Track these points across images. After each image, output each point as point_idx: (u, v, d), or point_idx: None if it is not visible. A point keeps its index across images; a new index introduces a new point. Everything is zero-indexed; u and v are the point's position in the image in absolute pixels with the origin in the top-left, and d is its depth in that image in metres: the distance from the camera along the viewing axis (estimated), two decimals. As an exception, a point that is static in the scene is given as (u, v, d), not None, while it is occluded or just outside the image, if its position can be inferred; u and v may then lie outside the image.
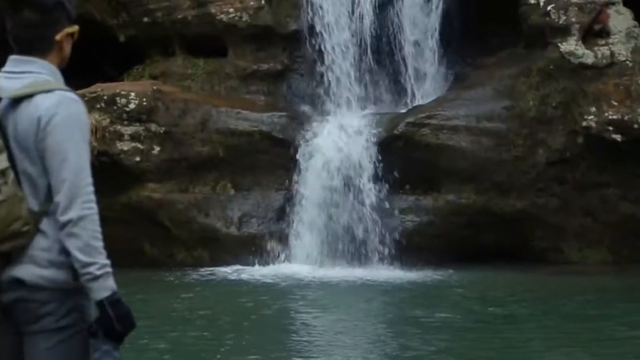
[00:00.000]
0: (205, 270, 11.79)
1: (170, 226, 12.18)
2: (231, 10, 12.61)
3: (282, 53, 12.93)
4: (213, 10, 12.64)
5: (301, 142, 12.21)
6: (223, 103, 12.54)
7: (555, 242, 12.19)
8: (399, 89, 13.09)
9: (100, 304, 3.10)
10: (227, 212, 12.17)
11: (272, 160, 12.31)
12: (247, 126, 12.31)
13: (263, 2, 12.65)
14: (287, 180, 12.21)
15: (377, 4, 12.82)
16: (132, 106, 12.06)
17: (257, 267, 11.79)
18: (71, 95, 3.17)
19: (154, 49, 13.15)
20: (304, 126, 12.35)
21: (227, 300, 9.89)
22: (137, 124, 12.07)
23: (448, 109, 12.15)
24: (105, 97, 12.05)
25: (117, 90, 12.18)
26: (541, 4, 12.06)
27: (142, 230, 12.10)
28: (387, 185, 11.99)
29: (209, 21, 12.69)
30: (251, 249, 11.93)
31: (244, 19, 12.65)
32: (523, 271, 11.33)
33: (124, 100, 12.06)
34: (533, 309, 9.05)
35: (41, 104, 3.10)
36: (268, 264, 11.85)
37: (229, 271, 11.68)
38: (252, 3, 12.61)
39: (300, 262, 11.85)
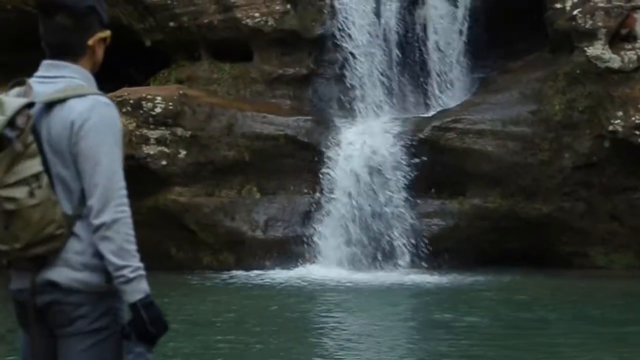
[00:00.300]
0: (230, 274, 11.82)
1: (196, 230, 12.23)
2: (257, 14, 12.65)
3: (308, 57, 12.95)
4: (239, 15, 12.68)
5: (326, 146, 12.23)
6: (249, 107, 12.57)
7: (582, 246, 12.14)
8: (424, 93, 13.08)
9: (133, 306, 3.11)
10: (252, 215, 12.20)
11: (297, 164, 12.33)
12: (273, 130, 12.34)
13: (289, 6, 12.68)
14: (312, 184, 12.21)
15: (402, 8, 12.81)
16: (158, 110, 12.12)
17: (282, 270, 11.80)
18: (104, 99, 3.18)
19: (180, 53, 13.20)
20: (330, 130, 12.37)
21: (252, 304, 9.88)
22: (164, 128, 12.13)
23: (474, 113, 12.13)
24: (131, 101, 12.12)
25: (144, 95, 12.24)
26: (567, 8, 12.03)
27: (168, 234, 12.15)
28: (412, 189, 11.98)
29: (235, 26, 12.73)
30: (277, 252, 11.95)
31: (269, 23, 12.68)
32: (549, 275, 11.28)
33: (150, 105, 12.12)
34: (561, 314, 9.00)
35: (74, 108, 3.11)
36: (294, 268, 11.87)
37: (255, 275, 11.70)
38: (277, 8, 12.63)
39: (326, 266, 11.85)
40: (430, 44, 12.93)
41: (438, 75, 13.01)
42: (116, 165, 3.15)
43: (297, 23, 12.76)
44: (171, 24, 12.96)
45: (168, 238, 12.19)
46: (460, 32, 13.04)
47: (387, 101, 12.91)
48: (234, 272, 11.88)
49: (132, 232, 3.17)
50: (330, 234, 12.00)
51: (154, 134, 12.09)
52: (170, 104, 12.19)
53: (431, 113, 12.71)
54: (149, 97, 12.18)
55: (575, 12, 11.97)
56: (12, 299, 3.23)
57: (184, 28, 12.92)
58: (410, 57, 13.00)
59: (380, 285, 10.94)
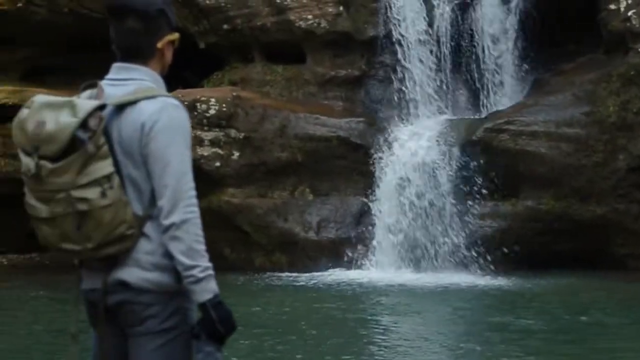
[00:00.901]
0: (283, 275, 11.85)
1: (249, 231, 12.29)
2: (310, 17, 12.69)
3: (360, 59, 12.96)
4: (292, 17, 12.73)
5: (379, 147, 12.23)
6: (301, 109, 12.62)
7: (636, 248, 12.01)
8: (476, 95, 13.04)
9: (202, 306, 3.14)
10: (305, 217, 12.24)
11: (350, 165, 12.35)
12: (325, 132, 12.37)
13: (341, 8, 12.70)
14: (364, 185, 12.22)
15: (455, 10, 12.78)
16: (212, 112, 12.20)
17: (335, 271, 11.82)
18: (174, 101, 3.22)
19: (233, 55, 13.29)
20: (382, 132, 12.38)
21: (305, 305, 9.88)
22: (217, 129, 12.22)
23: (527, 115, 12.06)
24: (185, 103, 12.16)
25: (198, 96, 12.33)
26: (622, 9, 11.92)
27: (221, 235, 12.22)
28: (465, 191, 11.94)
29: (288, 28, 12.78)
30: (329, 253, 11.97)
31: (322, 25, 12.72)
32: (603, 278, 11.17)
33: (204, 106, 12.21)
34: (620, 317, 8.88)
35: (145, 110, 3.15)
36: (346, 269, 11.88)
37: (307, 276, 11.71)
38: (330, 10, 12.67)
39: (379, 267, 11.85)
40: (482, 46, 12.88)
41: (490, 77, 12.95)
42: (185, 166, 3.19)
43: (349, 25, 12.78)
44: (225, 26, 13.05)
45: (221, 239, 12.26)
46: (512, 33, 12.98)
47: (439, 103, 12.89)
48: (287, 273, 11.92)
49: (201, 232, 3.20)
50: (382, 236, 12.00)
51: (207, 135, 12.19)
52: (224, 105, 12.27)
53: (483, 115, 12.66)
54: (203, 99, 12.27)
55: (629, 13, 11.85)
56: (83, 299, 3.28)
57: (237, 30, 13.00)
58: (462, 58, 12.96)
59: (432, 287, 10.89)
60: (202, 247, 3.18)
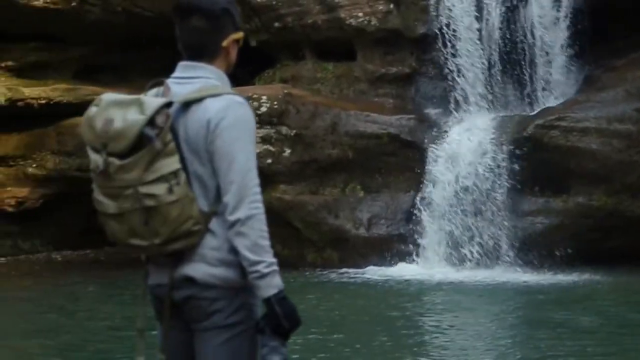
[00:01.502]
0: (334, 271, 11.88)
1: (300, 227, 12.34)
2: (360, 14, 12.69)
3: (411, 56, 12.94)
4: (342, 15, 12.74)
5: (429, 144, 12.21)
6: (352, 106, 12.63)
7: (688, 244, 11.87)
8: (527, 91, 12.95)
9: (267, 301, 3.16)
10: (356, 213, 12.26)
11: (400, 162, 12.35)
12: (376, 129, 12.38)
13: (392, 6, 12.69)
14: (415, 182, 12.21)
15: (505, 6, 12.71)
16: (263, 109, 12.26)
17: (386, 268, 11.82)
18: (239, 99, 3.26)
19: (284, 53, 13.34)
20: (432, 129, 12.36)
21: (355, 302, 9.89)
22: (269, 126, 12.27)
23: (578, 111, 11.98)
24: (238, 101, 12.25)
25: (249, 94, 12.37)
26: (674, 4, 11.79)
27: (274, 231, 12.05)
28: (516, 187, 11.89)
29: (339, 25, 12.80)
30: (380, 250, 11.98)
31: (372, 23, 12.72)
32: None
33: (255, 104, 12.27)
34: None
35: (210, 108, 3.19)
36: (397, 265, 11.87)
37: (358, 272, 11.73)
38: (381, 7, 12.66)
39: (430, 264, 11.83)
40: (533, 42, 12.79)
41: (540, 73, 12.86)
42: (251, 163, 3.21)
43: (400, 22, 12.77)
44: (276, 24, 13.10)
45: (274, 235, 12.05)
46: (563, 29, 12.88)
47: (489, 99, 12.82)
48: (338, 270, 11.94)
49: (266, 228, 3.24)
50: (433, 232, 11.98)
51: (259, 132, 12.24)
52: (275, 103, 12.33)
53: (534, 111, 12.58)
54: (254, 96, 12.33)
55: (683, 8, 11.73)
56: (150, 294, 3.33)
57: (288, 28, 13.04)
58: (512, 55, 12.87)
59: (484, 283, 10.86)
60: (266, 242, 3.23)
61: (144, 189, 3.13)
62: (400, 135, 12.35)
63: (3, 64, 13.26)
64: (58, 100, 13.02)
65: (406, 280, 11.10)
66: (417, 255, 11.97)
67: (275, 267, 3.21)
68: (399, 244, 12.02)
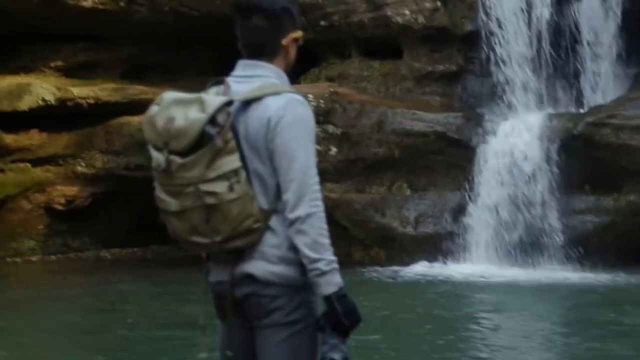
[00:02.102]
0: (381, 270, 11.86)
1: (347, 225, 12.33)
2: (407, 12, 12.65)
3: (458, 54, 12.88)
4: (389, 13, 12.71)
5: (477, 142, 12.14)
6: (398, 104, 12.60)
7: None
8: (576, 89, 12.82)
9: (327, 299, 3.18)
10: (403, 212, 12.22)
11: (447, 160, 12.29)
12: (423, 127, 12.33)
13: (439, 3, 12.63)
14: (462, 180, 12.15)
15: (554, 3, 12.59)
16: (309, 108, 12.26)
17: (433, 266, 11.76)
18: (298, 97, 3.28)
19: (330, 51, 13.34)
20: (480, 126, 12.28)
21: (402, 301, 9.83)
22: (315, 125, 12.26)
23: (629, 109, 11.83)
24: (283, 99, 12.28)
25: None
26: None
27: (321, 229, 12.21)
28: (566, 186, 11.78)
29: (385, 23, 12.77)
30: (427, 248, 11.93)
31: (419, 20, 12.67)
32: None
33: (301, 102, 12.27)
34: None
35: (270, 106, 3.21)
36: (444, 264, 11.82)
37: (405, 271, 11.69)
38: (427, 5, 12.61)
39: (477, 262, 11.76)
40: (582, 39, 12.65)
41: (589, 71, 12.72)
42: (311, 161, 3.24)
43: (447, 20, 12.71)
44: (322, 22, 13.10)
45: (321, 233, 12.25)
46: (613, 27, 12.74)
47: (538, 97, 12.71)
48: (385, 268, 11.92)
49: (325, 226, 3.26)
50: (480, 231, 11.91)
51: (305, 131, 12.22)
52: (322, 101, 12.33)
53: (584, 109, 12.46)
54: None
55: None
56: (210, 291, 3.35)
57: (334, 27, 13.04)
58: (562, 52, 12.75)
59: (532, 283, 10.76)
60: (326, 240, 3.24)
61: (205, 187, 3.15)
62: (447, 133, 12.29)
63: (52, 64, 13.40)
64: (106, 100, 13.13)
65: (454, 279, 11.03)
66: (465, 253, 11.90)
67: (335, 265, 3.23)
68: (446, 243, 11.96)
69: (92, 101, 13.04)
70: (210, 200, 3.15)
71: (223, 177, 3.15)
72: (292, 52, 3.39)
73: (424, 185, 12.37)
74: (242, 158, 3.19)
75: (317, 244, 3.20)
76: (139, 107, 13.34)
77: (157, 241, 13.75)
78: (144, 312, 9.51)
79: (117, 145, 13.30)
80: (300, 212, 3.19)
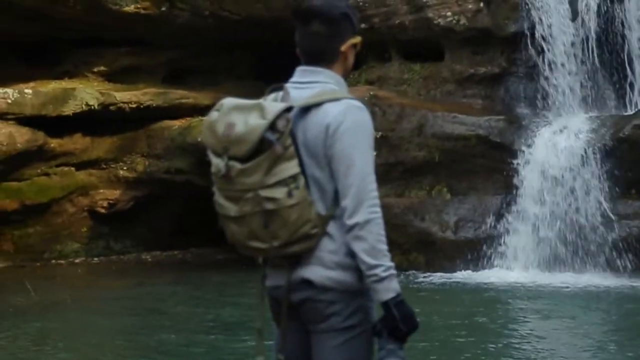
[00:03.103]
0: (421, 275, 11.80)
1: (387, 230, 12.25)
2: (449, 14, 12.58)
3: (500, 56, 12.77)
4: (430, 15, 12.64)
5: (520, 146, 12.00)
6: (439, 107, 12.54)
7: None
8: (623, 91, 12.64)
9: (385, 304, 3.18)
10: (443, 216, 12.16)
11: (489, 164, 12.19)
12: (464, 130, 12.24)
13: (481, 4, 12.53)
14: (504, 185, 12.05)
15: (601, 4, 12.41)
16: (350, 111, 12.22)
17: (473, 272, 11.69)
18: (357, 103, 3.28)
19: (370, 54, 13.31)
20: (523, 130, 12.13)
21: (442, 306, 9.72)
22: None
23: (677, 111, 11.66)
24: (324, 102, 12.26)
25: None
26: None
27: (359, 234, 12.18)
28: (611, 190, 11.62)
29: (426, 25, 12.70)
30: (467, 253, 11.84)
31: (461, 22, 12.59)
32: None
33: (342, 106, 12.25)
34: None
35: (329, 112, 3.22)
36: (485, 269, 11.72)
37: (445, 276, 11.62)
38: (470, 6, 12.52)
39: (519, 268, 11.65)
40: (629, 41, 12.46)
41: (637, 72, 12.52)
42: (369, 167, 3.26)
43: (489, 21, 12.60)
44: (363, 25, 13.05)
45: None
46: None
47: (583, 99, 12.56)
48: (425, 273, 11.86)
49: (383, 232, 3.27)
50: (522, 235, 11.77)
51: (345, 135, 12.19)
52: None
53: (631, 111, 12.27)
54: (340, 98, 12.31)
55: None
56: (267, 295, 3.36)
57: (375, 29, 12.99)
58: (608, 53, 12.58)
59: (575, 289, 10.62)
60: (384, 246, 3.25)
61: (264, 193, 3.17)
62: (489, 137, 12.19)
63: (95, 69, 13.52)
64: (148, 104, 13.23)
65: (495, 285, 10.93)
66: (506, 259, 11.79)
67: (393, 271, 3.24)
68: (486, 248, 11.87)
69: (134, 106, 13.14)
70: (269, 205, 3.17)
71: (282, 182, 3.17)
72: (351, 58, 3.41)
73: (465, 190, 12.30)
74: (301, 164, 3.20)
75: (375, 250, 3.21)
76: (180, 111, 13.44)
77: (197, 244, 13.83)
78: (183, 315, 9.56)
79: (159, 149, 13.39)
80: (358, 218, 3.20)
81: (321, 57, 3.32)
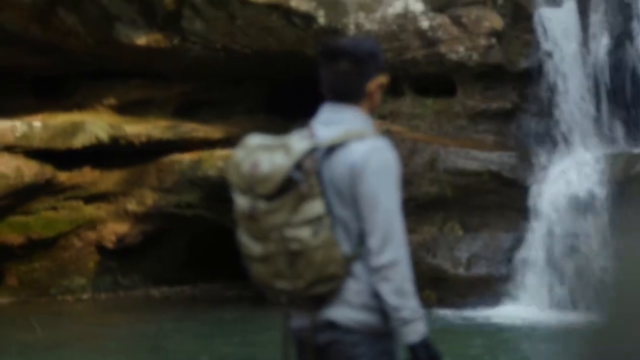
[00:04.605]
0: (433, 312, 11.70)
1: (398, 265, 12.19)
2: (461, 49, 12.57)
3: (512, 92, 12.75)
4: (443, 50, 12.63)
5: (531, 182, 11.96)
6: (451, 142, 12.50)
7: None
8: (635, 128, 12.63)
9: (411, 347, 3.17)
10: (455, 253, 12.08)
11: (501, 200, 12.12)
12: (476, 166, 12.20)
13: (494, 40, 12.54)
14: (516, 221, 11.98)
15: (613, 39, 12.44)
16: (362, 146, 12.20)
17: (486, 309, 11.58)
18: (383, 142, 3.28)
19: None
20: (535, 166, 12.10)
21: (455, 344, 9.63)
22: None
23: (689, 149, 11.63)
24: (336, 137, 12.24)
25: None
26: None
27: (372, 270, 12.14)
28: (622, 228, 11.54)
29: (439, 60, 12.69)
30: (480, 290, 11.75)
31: (473, 58, 12.58)
32: None
33: (354, 141, 12.23)
34: None
35: (355, 151, 3.21)
36: (498, 307, 11.62)
37: (457, 313, 11.53)
38: (482, 42, 12.51)
39: (532, 306, 11.52)
40: (641, 77, 12.46)
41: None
42: (395, 207, 3.26)
43: (502, 57, 12.59)
44: (384, 57, 13.05)
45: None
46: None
47: (595, 136, 12.51)
48: (437, 310, 11.75)
49: (410, 273, 3.24)
50: (535, 273, 11.67)
51: (358, 169, 12.16)
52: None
53: (641, 148, 12.25)
54: (352, 133, 12.30)
55: None
56: (292, 337, 3.32)
57: (387, 64, 12.98)
58: (620, 89, 12.57)
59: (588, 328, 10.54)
60: (411, 288, 3.23)
61: (289, 232, 3.15)
62: (501, 173, 12.14)
63: (106, 102, 13.49)
64: (158, 138, 13.19)
65: (507, 322, 10.84)
66: (519, 296, 11.67)
67: (420, 313, 3.21)
68: (499, 285, 11.75)
69: (144, 139, 13.10)
70: (295, 245, 3.16)
71: (307, 222, 3.16)
72: (377, 97, 3.41)
73: (477, 226, 12.22)
74: (327, 204, 3.18)
75: (401, 291, 3.21)
76: (191, 144, 13.40)
77: (206, 279, 13.75)
78: (190, 352, 9.47)
79: (168, 183, 13.33)
80: (384, 259, 3.19)
81: (347, 96, 3.32)
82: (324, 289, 3.19)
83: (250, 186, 3.15)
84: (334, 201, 3.20)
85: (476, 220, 12.21)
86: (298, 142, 3.19)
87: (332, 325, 3.21)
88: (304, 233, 3.14)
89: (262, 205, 3.13)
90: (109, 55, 12.88)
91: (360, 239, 3.22)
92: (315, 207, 3.14)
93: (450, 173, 12.21)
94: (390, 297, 3.17)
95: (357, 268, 3.22)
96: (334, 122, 3.28)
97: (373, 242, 3.18)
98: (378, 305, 3.19)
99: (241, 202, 3.18)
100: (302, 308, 3.24)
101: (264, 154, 3.16)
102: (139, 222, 13.63)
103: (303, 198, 3.13)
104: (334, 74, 3.29)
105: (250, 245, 3.21)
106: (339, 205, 3.20)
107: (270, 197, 3.12)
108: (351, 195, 3.20)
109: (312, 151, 3.15)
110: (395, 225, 3.21)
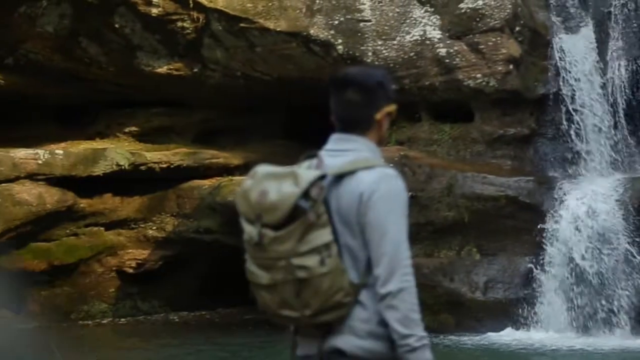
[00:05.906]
0: (450, 336, 11.69)
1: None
2: (479, 75, 12.62)
3: (529, 117, 12.79)
4: (460, 77, 12.68)
5: (549, 207, 11.96)
6: (469, 168, 12.53)
7: None
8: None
9: (418, 375, 3.13)
10: (472, 277, 12.08)
11: (518, 225, 12.12)
12: (494, 191, 12.21)
13: (511, 67, 12.58)
14: (533, 246, 11.97)
15: (630, 64, 12.44)
16: (380, 172, 12.23)
17: (503, 333, 11.56)
18: (391, 171, 3.29)
19: (400, 114, 13.28)
20: (552, 191, 12.09)
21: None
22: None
23: None
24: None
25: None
26: None
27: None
28: (641, 252, 11.51)
29: (456, 87, 12.75)
30: (497, 315, 11.73)
31: (491, 84, 12.63)
32: None
33: (372, 166, 12.27)
34: None
35: (363, 180, 3.22)
36: (515, 331, 11.61)
37: (474, 338, 11.51)
38: (500, 68, 12.57)
39: (549, 330, 11.52)
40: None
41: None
42: (402, 235, 3.24)
43: (519, 83, 12.64)
44: (393, 86, 13.10)
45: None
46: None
47: (613, 161, 12.52)
48: (454, 334, 11.74)
49: (417, 301, 3.25)
50: (553, 297, 11.66)
51: (375, 195, 12.18)
52: (392, 165, 12.30)
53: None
54: (370, 159, 12.33)
55: None
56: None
57: (405, 90, 13.01)
58: (638, 114, 12.56)
59: (606, 352, 10.48)
60: (418, 316, 3.24)
61: (296, 261, 3.16)
62: (518, 198, 12.15)
63: (127, 129, 13.63)
64: (178, 164, 13.29)
65: (525, 347, 10.83)
66: (536, 321, 11.66)
67: (426, 341, 3.22)
68: (516, 309, 11.75)
69: (164, 165, 13.20)
70: (302, 274, 3.16)
71: (315, 251, 3.16)
72: (385, 126, 3.41)
73: (494, 250, 12.22)
74: (334, 232, 3.20)
75: (408, 319, 3.20)
76: (210, 170, 13.49)
77: (225, 304, 13.78)
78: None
79: (188, 209, 13.41)
80: (391, 287, 3.19)
81: (356, 125, 3.33)
82: (331, 317, 3.19)
83: (258, 215, 3.16)
84: (341, 229, 3.21)
85: (493, 244, 12.21)
86: (306, 171, 3.22)
87: (339, 353, 3.21)
88: (311, 261, 3.15)
89: (269, 233, 3.14)
90: (130, 84, 13.01)
91: (368, 267, 3.22)
92: (322, 235, 3.16)
93: (467, 198, 12.22)
94: (396, 325, 3.17)
95: (364, 296, 3.22)
96: (342, 151, 3.30)
97: (380, 270, 3.18)
98: (385, 333, 3.20)
99: (249, 230, 3.20)
100: (309, 336, 3.25)
101: (272, 183, 3.17)
102: (159, 247, 13.70)
103: (310, 226, 3.14)
104: (342, 103, 3.31)
105: (258, 274, 3.23)
106: (346, 233, 3.22)
107: (278, 226, 3.13)
108: (359, 224, 3.20)
109: (320, 180, 3.17)
110: (402, 253, 3.20)
